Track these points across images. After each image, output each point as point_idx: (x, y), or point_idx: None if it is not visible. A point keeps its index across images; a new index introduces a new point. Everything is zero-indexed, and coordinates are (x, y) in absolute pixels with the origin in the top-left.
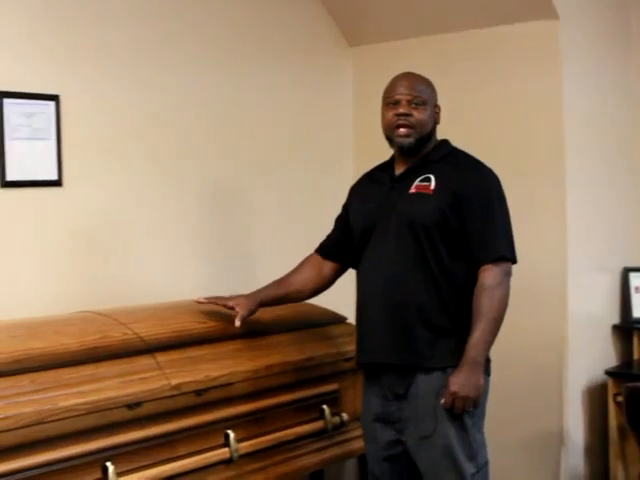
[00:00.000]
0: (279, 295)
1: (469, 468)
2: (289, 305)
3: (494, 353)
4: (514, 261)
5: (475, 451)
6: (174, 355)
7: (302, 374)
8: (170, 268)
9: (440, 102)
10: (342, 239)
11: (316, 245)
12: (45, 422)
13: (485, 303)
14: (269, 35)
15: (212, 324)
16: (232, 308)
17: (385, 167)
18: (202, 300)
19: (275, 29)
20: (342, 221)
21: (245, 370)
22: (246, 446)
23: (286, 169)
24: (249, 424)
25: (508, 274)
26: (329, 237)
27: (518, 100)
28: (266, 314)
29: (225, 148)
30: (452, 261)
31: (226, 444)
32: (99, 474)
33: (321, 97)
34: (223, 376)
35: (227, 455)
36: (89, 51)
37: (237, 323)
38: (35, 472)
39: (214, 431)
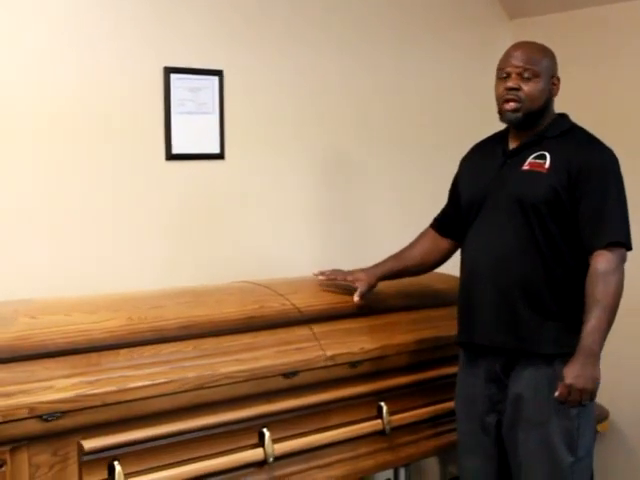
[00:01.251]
0: (398, 268)
1: (567, 458)
2: (445, 280)
3: None
4: (629, 247)
5: (576, 441)
6: (329, 327)
7: (454, 349)
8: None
9: (598, 78)
10: (456, 214)
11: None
12: (206, 387)
13: (600, 290)
14: (428, 7)
15: (366, 297)
16: (352, 283)
17: (499, 138)
18: (321, 277)
19: (434, 1)
20: (454, 195)
21: (398, 343)
22: (398, 419)
23: (434, 143)
24: (402, 397)
25: (623, 260)
26: (443, 213)
27: None
28: (421, 288)
29: (371, 120)
30: (565, 243)
31: (379, 416)
32: (256, 439)
33: (479, 71)
34: (377, 349)
35: (380, 427)
36: (252, 27)
37: (356, 299)
38: (197, 434)
39: (367, 403)
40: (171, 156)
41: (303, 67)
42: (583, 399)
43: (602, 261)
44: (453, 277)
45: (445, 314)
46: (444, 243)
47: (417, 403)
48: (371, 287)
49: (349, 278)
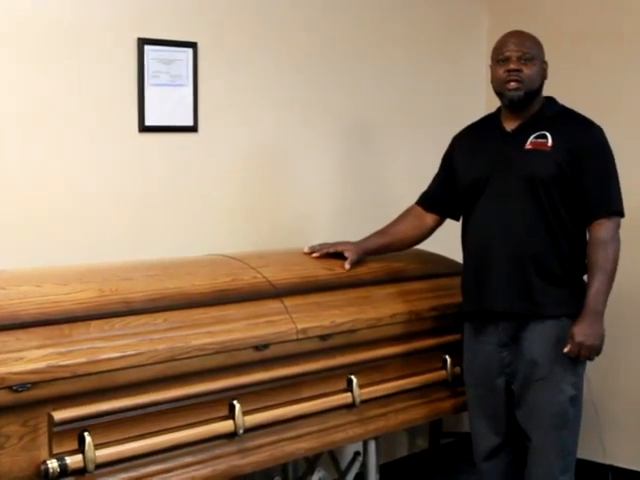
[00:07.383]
0: (383, 244)
1: (571, 412)
2: (416, 254)
3: None
4: (623, 215)
5: (577, 397)
6: (301, 300)
7: (426, 324)
8: (310, 208)
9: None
10: (444, 191)
11: None
12: (177, 359)
13: (601, 256)
14: None
15: (338, 271)
16: (341, 253)
17: (491, 121)
18: (315, 254)
19: None
20: (444, 173)
21: (370, 317)
22: (368, 392)
23: (418, 113)
24: (372, 371)
25: (619, 227)
26: (430, 189)
27: None
28: (392, 262)
29: (366, 89)
30: (568, 215)
31: (349, 389)
32: (226, 412)
33: (455, 45)
34: (348, 322)
35: (349, 400)
36: None
37: (347, 266)
38: (167, 406)
39: (337, 376)
40: (144, 128)
41: (278, 39)
42: (592, 354)
43: (602, 230)
44: (427, 252)
45: (414, 289)
46: (429, 219)
47: (387, 377)
48: (359, 258)
49: (339, 248)
